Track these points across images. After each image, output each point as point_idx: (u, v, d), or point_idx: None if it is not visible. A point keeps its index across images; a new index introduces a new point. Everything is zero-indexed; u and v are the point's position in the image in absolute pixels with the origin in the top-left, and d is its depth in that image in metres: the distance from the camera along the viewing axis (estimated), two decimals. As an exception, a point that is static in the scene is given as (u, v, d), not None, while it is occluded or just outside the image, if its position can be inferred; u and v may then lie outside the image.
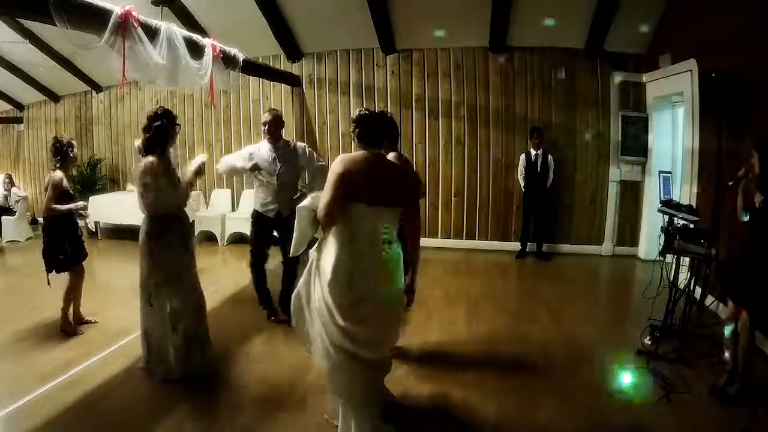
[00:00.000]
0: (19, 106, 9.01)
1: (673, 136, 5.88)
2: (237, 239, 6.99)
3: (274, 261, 4.07)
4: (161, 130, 2.96)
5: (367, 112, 2.38)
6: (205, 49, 4.25)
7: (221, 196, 7.51)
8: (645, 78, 6.02)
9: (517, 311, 4.38)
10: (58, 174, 3.66)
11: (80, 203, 3.81)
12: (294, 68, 7.08)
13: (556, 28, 5.92)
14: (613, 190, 6.33)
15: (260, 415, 2.69)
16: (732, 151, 3.97)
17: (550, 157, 6.10)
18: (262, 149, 3.86)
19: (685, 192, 4.93)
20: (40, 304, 4.34)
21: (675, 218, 3.61)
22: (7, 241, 7.36)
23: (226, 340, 3.57)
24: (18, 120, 9.08)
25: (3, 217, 7.45)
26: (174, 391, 2.93)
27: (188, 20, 6.02)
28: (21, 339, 3.69)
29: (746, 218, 2.78)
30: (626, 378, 3.02)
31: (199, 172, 3.16)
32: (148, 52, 3.37)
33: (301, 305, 2.39)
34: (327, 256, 2.24)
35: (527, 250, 6.30)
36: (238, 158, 3.85)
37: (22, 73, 7.82)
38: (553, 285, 5.20)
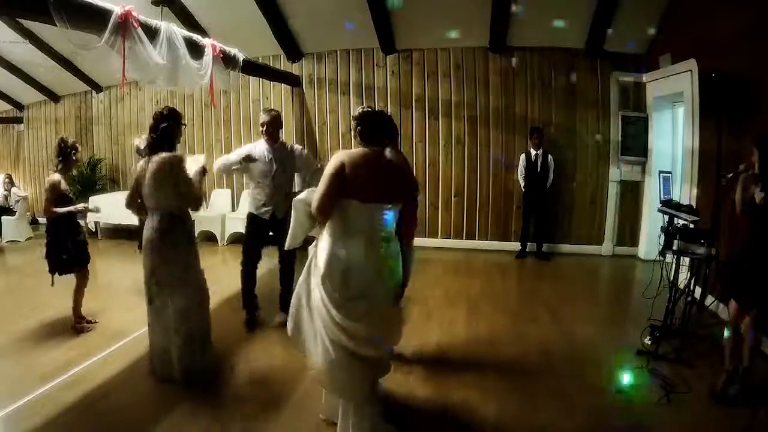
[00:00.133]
0: (19, 106, 9.01)
1: (673, 136, 5.88)
2: (237, 239, 6.97)
3: (273, 261, 4.06)
4: (168, 131, 2.97)
5: (369, 109, 2.39)
6: (205, 49, 4.25)
7: (221, 196, 7.51)
8: (645, 78, 6.02)
9: (517, 311, 4.38)
10: (56, 177, 3.66)
11: (80, 205, 3.78)
12: (294, 68, 7.08)
13: (555, 28, 5.93)
14: (613, 190, 6.34)
15: (260, 415, 2.69)
16: (732, 151, 3.97)
17: (550, 157, 6.10)
18: (258, 148, 3.81)
19: (685, 192, 4.93)
20: (40, 304, 4.35)
21: (675, 218, 3.61)
22: (7, 241, 7.36)
23: (225, 340, 3.56)
24: (18, 120, 9.08)
25: (3, 217, 7.44)
26: (174, 391, 2.92)
27: (188, 20, 6.02)
28: (21, 339, 3.69)
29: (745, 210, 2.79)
30: (626, 378, 3.02)
31: (204, 172, 3.17)
32: (148, 52, 3.37)
33: (300, 306, 2.39)
34: (321, 251, 2.26)
35: (527, 250, 6.30)
36: (232, 155, 3.81)
37: (22, 73, 7.82)
38: (553, 285, 5.20)
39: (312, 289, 2.31)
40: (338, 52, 6.90)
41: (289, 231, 2.45)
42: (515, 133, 6.50)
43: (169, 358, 3.02)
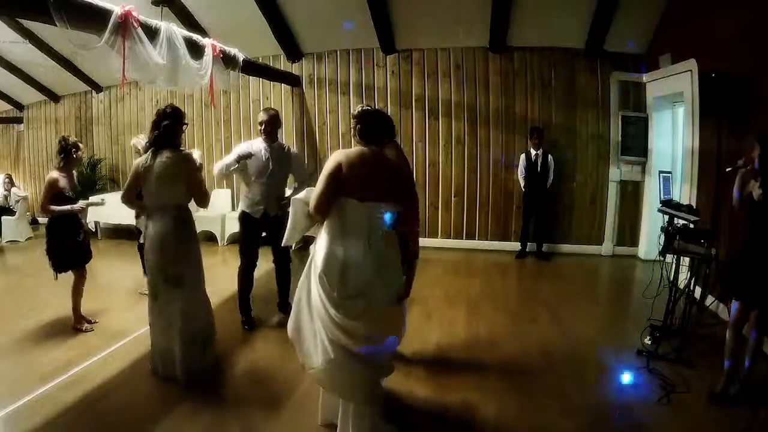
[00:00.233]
0: (19, 106, 9.01)
1: (673, 136, 5.88)
2: (237, 239, 6.95)
3: (268, 262, 4.05)
4: (170, 129, 2.97)
5: (368, 108, 2.39)
6: (205, 49, 4.24)
7: (221, 196, 7.50)
8: (645, 78, 6.02)
9: (517, 311, 4.38)
10: (54, 174, 3.66)
11: (76, 205, 3.72)
12: (294, 68, 7.08)
13: (556, 28, 5.93)
14: (613, 190, 6.33)
15: (260, 415, 2.69)
16: (732, 150, 3.96)
17: (550, 157, 6.10)
18: (255, 146, 3.80)
19: (685, 192, 4.93)
20: (40, 304, 4.35)
21: (675, 218, 3.61)
22: (7, 241, 7.36)
23: (225, 340, 3.56)
24: (18, 120, 9.08)
25: (3, 217, 7.44)
26: (174, 391, 2.92)
27: (188, 20, 6.02)
28: (21, 339, 3.69)
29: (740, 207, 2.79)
30: (626, 378, 3.02)
31: (200, 168, 3.18)
32: (148, 52, 3.37)
33: (301, 306, 2.39)
34: (320, 250, 2.27)
35: (527, 250, 6.30)
36: (228, 157, 3.74)
37: (22, 73, 7.82)
38: (553, 285, 5.20)
39: (311, 288, 2.31)
40: (338, 52, 6.90)
41: (286, 229, 2.46)
42: (515, 133, 6.49)
43: (172, 357, 3.01)
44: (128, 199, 3.08)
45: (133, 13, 3.23)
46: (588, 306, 4.61)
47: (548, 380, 3.08)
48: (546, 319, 4.17)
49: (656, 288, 3.76)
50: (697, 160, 4.78)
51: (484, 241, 6.72)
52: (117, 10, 3.13)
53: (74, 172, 3.87)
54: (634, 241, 6.33)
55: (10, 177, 7.91)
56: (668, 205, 3.76)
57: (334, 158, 2.23)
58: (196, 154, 3.17)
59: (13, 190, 7.77)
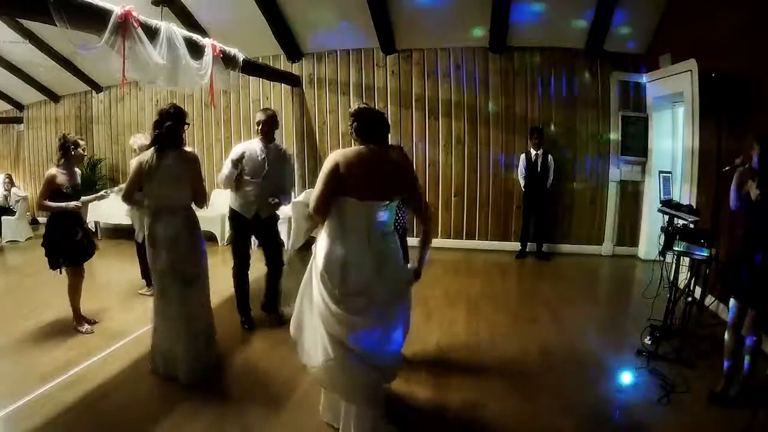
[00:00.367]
0: (19, 106, 9.01)
1: (673, 136, 5.88)
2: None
3: (261, 264, 4.04)
4: (174, 130, 2.98)
5: (366, 106, 2.39)
6: (205, 49, 4.24)
7: (221, 196, 7.48)
8: (645, 78, 6.02)
9: (517, 311, 4.38)
10: (52, 171, 3.65)
11: (71, 203, 3.65)
12: (294, 68, 7.08)
13: (556, 28, 5.93)
14: (613, 190, 6.34)
15: (260, 415, 2.69)
16: (732, 150, 3.96)
17: (550, 157, 6.10)
18: (252, 146, 3.78)
19: (685, 192, 4.93)
20: (40, 304, 4.35)
21: (675, 218, 3.61)
22: (7, 241, 7.36)
23: (225, 340, 3.56)
24: (18, 120, 9.08)
25: (3, 217, 7.44)
26: (174, 391, 2.92)
27: (188, 20, 6.02)
28: (21, 339, 3.69)
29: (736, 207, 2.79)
30: (626, 378, 3.02)
31: None
32: (148, 52, 3.37)
33: (303, 306, 2.40)
34: (321, 249, 2.27)
35: (527, 250, 6.30)
36: (226, 168, 3.70)
37: (22, 73, 7.83)
38: (553, 285, 5.20)
39: (313, 287, 2.32)
40: (338, 52, 6.90)
41: (291, 234, 2.47)
42: (515, 133, 6.50)
43: (174, 357, 3.02)
44: (128, 198, 3.08)
45: (133, 13, 3.23)
46: (588, 306, 4.61)
47: (548, 380, 3.08)
48: (546, 319, 4.17)
49: (656, 288, 3.77)
50: (697, 160, 4.78)
51: (484, 241, 6.72)
52: (117, 10, 3.13)
53: (76, 169, 3.84)
54: (634, 241, 6.33)
55: (10, 177, 7.91)
56: (668, 205, 3.77)
57: (331, 158, 2.23)
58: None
59: (13, 190, 7.77)
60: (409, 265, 2.48)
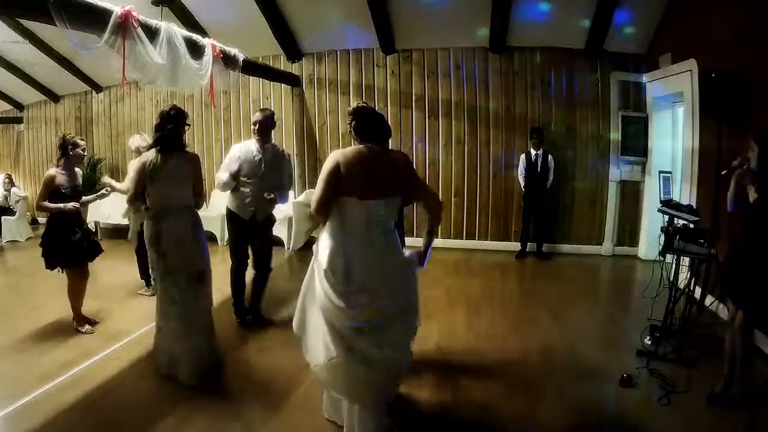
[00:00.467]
0: (19, 106, 9.01)
1: (673, 136, 5.88)
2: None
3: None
4: (175, 132, 3.01)
5: (364, 104, 2.39)
6: (205, 49, 4.24)
7: (221, 196, 7.49)
8: (645, 78, 6.02)
9: (518, 311, 4.38)
10: (51, 171, 3.65)
11: (69, 204, 3.61)
12: (294, 68, 7.08)
13: (556, 28, 5.93)
14: (613, 190, 6.34)
15: (260, 415, 2.69)
16: (732, 150, 3.96)
17: (550, 157, 6.10)
18: (248, 147, 3.78)
19: (685, 192, 4.93)
20: (40, 304, 4.35)
21: (675, 218, 3.61)
22: (7, 241, 7.37)
23: (225, 340, 3.56)
24: (18, 120, 9.09)
25: (3, 217, 7.45)
26: (174, 391, 2.92)
27: (188, 20, 6.02)
28: (21, 339, 3.69)
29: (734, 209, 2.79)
30: (626, 378, 3.01)
31: None
32: (148, 52, 3.37)
33: (305, 304, 2.40)
34: (323, 249, 2.28)
35: (527, 250, 6.30)
36: (224, 175, 3.68)
37: (22, 73, 7.83)
38: (553, 285, 5.20)
39: (315, 284, 2.32)
40: (338, 52, 6.90)
41: (292, 235, 2.48)
42: (515, 133, 6.50)
43: (177, 357, 3.02)
44: (134, 199, 3.08)
45: (133, 13, 3.24)
46: (588, 306, 4.61)
47: (548, 380, 3.08)
48: (546, 319, 4.17)
49: (656, 288, 3.76)
50: (697, 160, 4.78)
51: (484, 241, 6.72)
52: (117, 10, 3.13)
53: (77, 169, 3.83)
54: (634, 241, 6.33)
55: (10, 177, 7.92)
56: (668, 205, 3.76)
57: (332, 158, 2.23)
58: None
59: (13, 190, 7.78)
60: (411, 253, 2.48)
